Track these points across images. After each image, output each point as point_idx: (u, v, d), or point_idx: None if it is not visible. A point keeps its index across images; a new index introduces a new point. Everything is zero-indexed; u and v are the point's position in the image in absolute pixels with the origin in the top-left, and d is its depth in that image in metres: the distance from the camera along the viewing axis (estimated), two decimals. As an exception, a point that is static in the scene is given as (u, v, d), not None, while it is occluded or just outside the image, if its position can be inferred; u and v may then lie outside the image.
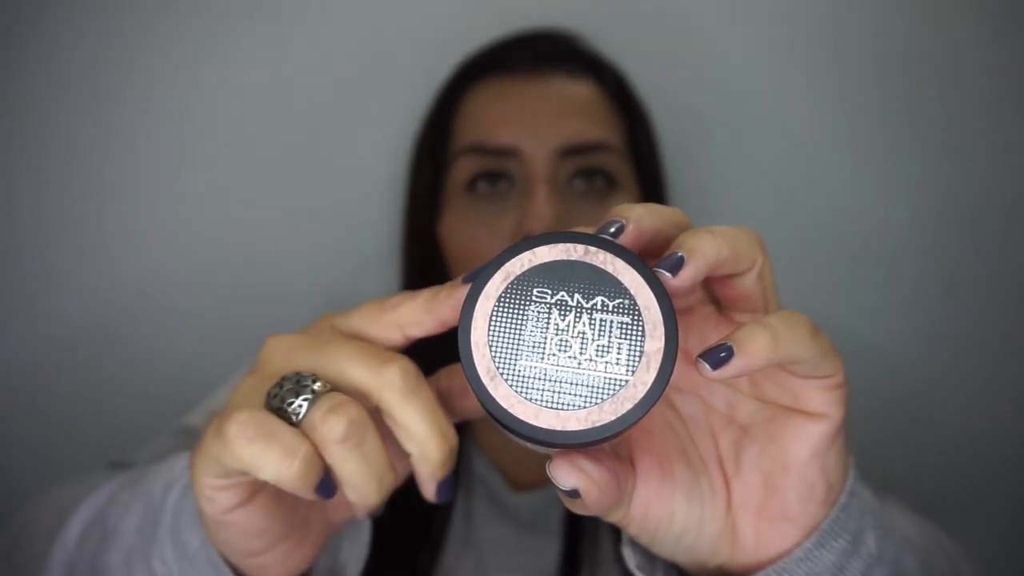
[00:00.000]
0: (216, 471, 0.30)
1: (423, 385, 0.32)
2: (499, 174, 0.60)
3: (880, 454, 0.93)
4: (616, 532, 0.61)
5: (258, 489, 0.31)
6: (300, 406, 0.30)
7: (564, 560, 0.59)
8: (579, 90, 0.61)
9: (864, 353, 0.91)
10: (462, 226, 0.60)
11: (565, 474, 0.28)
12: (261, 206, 0.83)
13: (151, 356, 0.83)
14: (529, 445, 0.29)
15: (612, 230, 0.28)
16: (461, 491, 0.61)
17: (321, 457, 0.30)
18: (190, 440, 0.57)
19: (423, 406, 0.31)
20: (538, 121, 0.59)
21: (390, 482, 0.31)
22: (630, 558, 0.35)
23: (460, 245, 0.60)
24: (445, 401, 0.35)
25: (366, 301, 0.34)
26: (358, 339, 0.32)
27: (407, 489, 0.35)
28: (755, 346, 0.27)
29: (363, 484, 0.30)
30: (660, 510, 0.31)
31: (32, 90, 0.78)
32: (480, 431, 0.66)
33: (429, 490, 0.33)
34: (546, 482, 0.64)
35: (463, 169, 0.61)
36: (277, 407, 0.30)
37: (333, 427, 0.29)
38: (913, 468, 0.93)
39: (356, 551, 0.37)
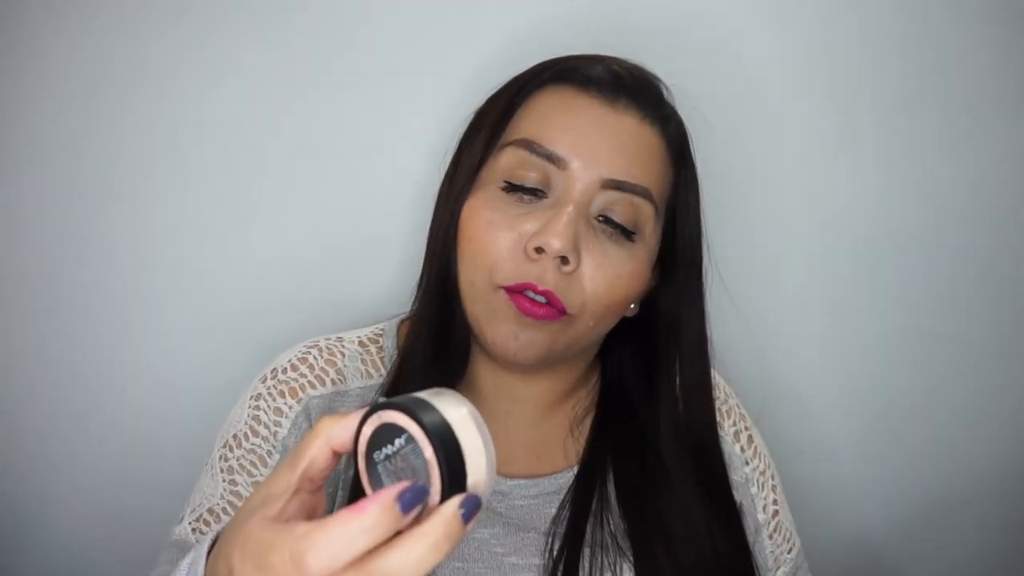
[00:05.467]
0: None
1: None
2: (537, 190, 0.61)
3: (880, 453, 0.94)
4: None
5: None
6: None
7: (568, 558, 0.61)
8: (643, 135, 0.62)
9: (862, 353, 0.92)
10: (484, 213, 0.60)
11: None
12: (264, 208, 0.83)
13: (157, 358, 0.83)
14: None
15: None
16: None
17: None
18: (184, 553, 0.58)
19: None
20: (596, 146, 0.60)
21: None
22: None
23: (475, 230, 0.61)
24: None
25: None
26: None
27: None
28: None
29: None
30: None
31: (38, 92, 0.78)
32: None
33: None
34: (535, 474, 0.65)
35: (508, 158, 0.61)
36: None
37: None
38: (912, 467, 0.93)
39: None
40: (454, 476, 0.35)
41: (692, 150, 0.67)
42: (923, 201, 0.89)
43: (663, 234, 0.65)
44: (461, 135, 0.68)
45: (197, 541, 0.59)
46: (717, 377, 0.74)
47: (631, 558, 0.61)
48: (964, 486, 0.94)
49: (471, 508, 0.35)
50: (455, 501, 0.35)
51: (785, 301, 0.90)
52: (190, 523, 0.61)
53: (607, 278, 0.59)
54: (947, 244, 0.90)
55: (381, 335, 0.70)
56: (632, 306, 0.66)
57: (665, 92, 0.67)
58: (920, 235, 0.89)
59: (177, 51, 0.79)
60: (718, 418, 0.71)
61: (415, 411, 0.35)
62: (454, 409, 0.36)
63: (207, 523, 0.60)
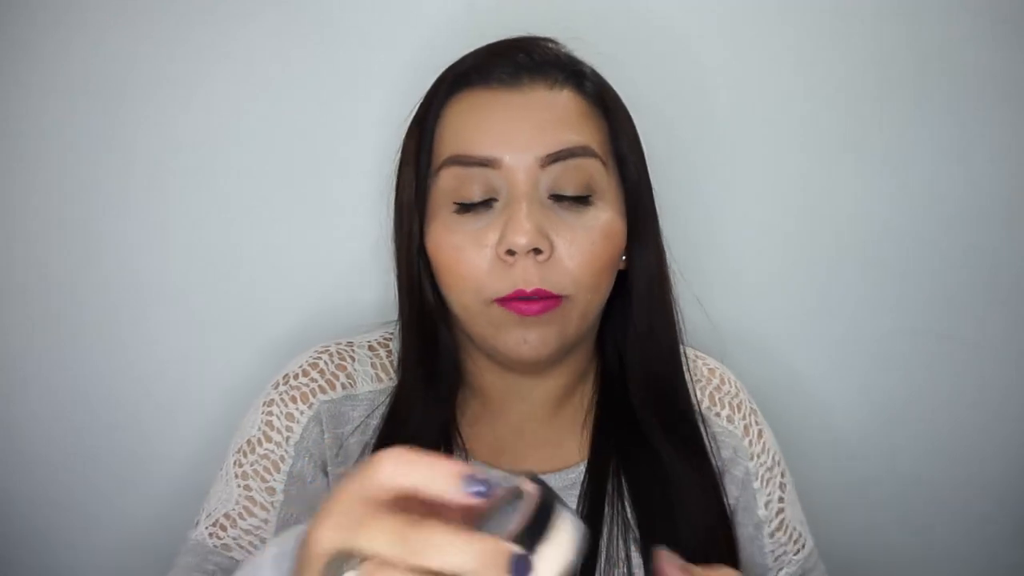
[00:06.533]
0: None
1: None
2: (487, 201, 0.61)
3: (881, 453, 0.94)
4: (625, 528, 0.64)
5: None
6: None
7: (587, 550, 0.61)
8: (559, 100, 0.62)
9: (870, 355, 0.92)
10: (448, 239, 0.61)
11: None
12: (255, 210, 0.82)
13: (146, 352, 0.82)
14: None
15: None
16: None
17: None
18: (202, 557, 0.61)
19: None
20: (519, 132, 0.61)
21: None
22: None
23: (447, 259, 0.62)
24: None
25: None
26: None
27: None
28: None
29: None
30: None
31: (31, 90, 0.77)
32: (468, 434, 0.67)
33: None
34: (549, 470, 0.65)
35: (446, 180, 0.62)
36: None
37: None
38: (913, 467, 0.94)
39: None
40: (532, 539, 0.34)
41: (614, 95, 0.67)
42: (931, 202, 0.89)
43: (623, 182, 0.65)
44: (395, 176, 0.68)
45: (214, 546, 0.61)
46: (727, 372, 0.75)
47: (640, 543, 0.63)
48: (963, 487, 0.94)
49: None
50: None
51: (791, 302, 0.90)
52: (206, 528, 0.63)
53: (582, 249, 0.60)
54: (955, 245, 0.90)
55: (391, 339, 0.70)
56: (624, 258, 0.66)
57: (564, 49, 0.66)
58: (928, 237, 0.90)
59: (167, 54, 0.79)
60: (728, 411, 0.71)
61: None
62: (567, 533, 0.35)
63: (223, 528, 0.62)
